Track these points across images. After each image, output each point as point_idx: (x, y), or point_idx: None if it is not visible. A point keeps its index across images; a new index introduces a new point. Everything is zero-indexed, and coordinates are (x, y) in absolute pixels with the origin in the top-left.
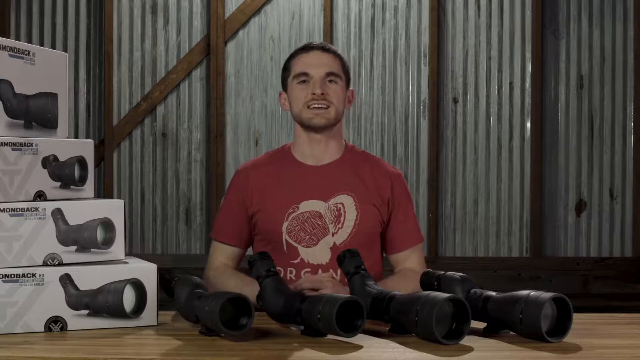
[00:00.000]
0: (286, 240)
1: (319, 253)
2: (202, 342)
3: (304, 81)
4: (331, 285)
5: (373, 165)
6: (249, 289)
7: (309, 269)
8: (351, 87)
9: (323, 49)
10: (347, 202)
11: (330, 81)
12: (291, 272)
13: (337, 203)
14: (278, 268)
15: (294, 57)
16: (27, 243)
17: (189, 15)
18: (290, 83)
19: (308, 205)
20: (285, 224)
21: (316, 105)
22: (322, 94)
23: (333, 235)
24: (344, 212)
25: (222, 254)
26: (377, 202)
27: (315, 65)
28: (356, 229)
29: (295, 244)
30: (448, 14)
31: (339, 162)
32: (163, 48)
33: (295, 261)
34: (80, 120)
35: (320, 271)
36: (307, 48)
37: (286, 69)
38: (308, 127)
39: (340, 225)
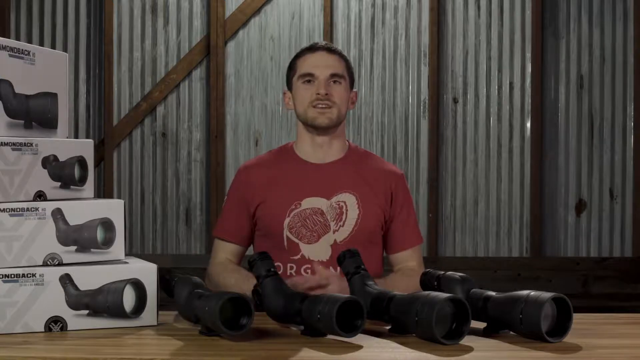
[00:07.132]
0: (287, 236)
1: (320, 250)
2: (202, 342)
3: (309, 81)
4: (337, 280)
5: (376, 165)
6: (250, 284)
7: (309, 265)
8: (355, 89)
9: (329, 49)
10: (349, 200)
11: (335, 82)
12: (291, 268)
13: (339, 201)
14: (278, 264)
15: (300, 56)
16: (27, 243)
17: (189, 15)
18: (295, 82)
19: (310, 202)
20: (286, 220)
21: (320, 105)
22: (327, 94)
23: (334, 232)
24: (346, 210)
25: (224, 251)
26: (380, 202)
27: (321, 65)
28: (357, 228)
29: (296, 240)
30: (448, 14)
31: (342, 161)
32: (163, 48)
33: (296, 257)
34: (80, 120)
35: (320, 267)
36: (313, 48)
37: (291, 68)
38: (311, 127)
39: (341, 223)
